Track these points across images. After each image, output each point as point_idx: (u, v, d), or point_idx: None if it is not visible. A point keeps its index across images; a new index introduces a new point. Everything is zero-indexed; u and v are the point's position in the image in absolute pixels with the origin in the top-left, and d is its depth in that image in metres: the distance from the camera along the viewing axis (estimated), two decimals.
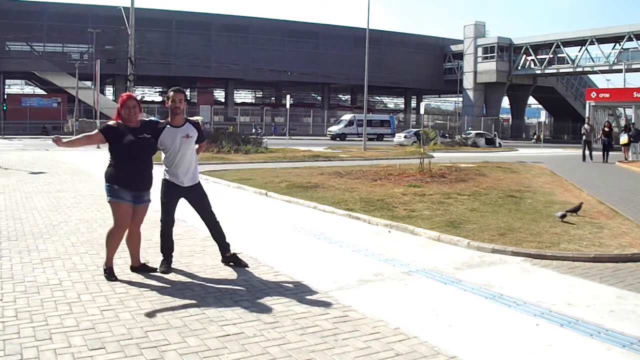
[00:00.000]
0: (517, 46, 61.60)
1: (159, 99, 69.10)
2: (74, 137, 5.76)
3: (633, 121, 31.59)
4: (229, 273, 5.51)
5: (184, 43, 56.55)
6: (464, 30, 65.37)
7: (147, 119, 5.84)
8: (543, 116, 48.85)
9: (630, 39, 50.89)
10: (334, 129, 50.47)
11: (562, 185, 13.78)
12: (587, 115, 31.42)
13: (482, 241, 6.82)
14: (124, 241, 5.38)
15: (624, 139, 24.75)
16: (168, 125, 5.53)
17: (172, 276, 5.35)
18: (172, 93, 5.54)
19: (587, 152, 23.83)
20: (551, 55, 58.13)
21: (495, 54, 61.39)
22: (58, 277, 5.23)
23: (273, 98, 78.85)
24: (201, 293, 4.86)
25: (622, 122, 38.55)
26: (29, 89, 69.39)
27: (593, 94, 35.72)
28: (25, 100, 51.71)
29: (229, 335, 3.91)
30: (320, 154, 25.36)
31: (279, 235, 7.51)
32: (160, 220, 5.64)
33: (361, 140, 34.47)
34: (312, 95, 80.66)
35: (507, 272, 5.74)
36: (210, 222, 5.75)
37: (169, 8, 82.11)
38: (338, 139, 47.67)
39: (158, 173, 5.48)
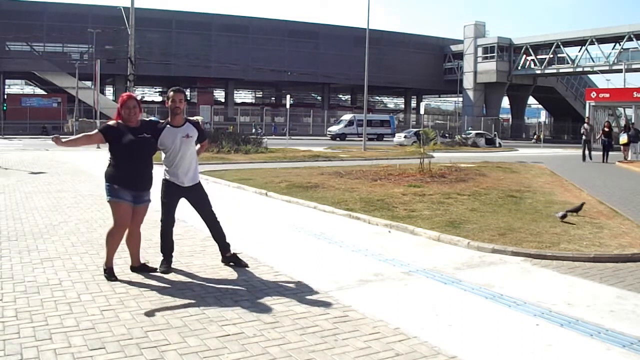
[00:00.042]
0: (517, 46, 61.61)
1: (159, 99, 69.10)
2: (73, 137, 5.76)
3: (633, 121, 31.60)
4: (229, 273, 5.51)
5: (184, 43, 56.56)
6: (464, 30, 65.37)
7: (147, 119, 5.84)
8: (543, 116, 48.84)
9: (630, 39, 50.90)
10: (334, 129, 50.47)
11: (562, 185, 13.78)
12: (587, 115, 31.42)
13: (482, 241, 6.82)
14: (124, 241, 5.38)
15: (623, 138, 24.75)
16: (168, 125, 5.53)
17: (172, 276, 5.35)
18: (172, 93, 5.54)
19: (587, 152, 23.84)
20: (551, 55, 58.14)
21: (495, 54, 61.39)
22: (58, 277, 5.23)
23: (273, 98, 78.86)
24: (201, 293, 4.86)
25: (622, 122, 38.53)
26: (29, 89, 69.41)
27: (593, 94, 35.73)
28: (25, 100, 51.70)
29: (229, 335, 3.91)
30: (320, 154, 25.36)
31: (279, 235, 7.51)
32: (161, 220, 5.64)
33: (361, 140, 34.47)
34: (312, 95, 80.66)
35: (507, 272, 5.74)
36: (211, 222, 5.75)
37: (169, 8, 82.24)
38: (338, 139, 47.67)
39: (158, 173, 5.49)
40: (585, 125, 24.91)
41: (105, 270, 5.26)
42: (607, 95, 35.80)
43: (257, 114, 67.40)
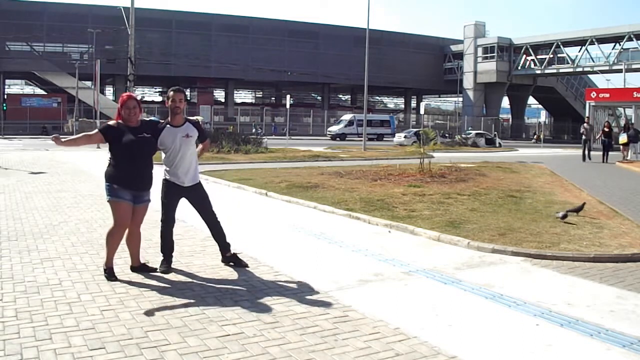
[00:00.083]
0: (517, 46, 61.61)
1: (159, 99, 69.11)
2: (73, 137, 5.76)
3: (632, 121, 31.60)
4: (229, 273, 5.51)
5: (184, 43, 56.56)
6: (464, 30, 65.38)
7: (147, 119, 5.84)
8: (543, 116, 48.80)
9: (630, 39, 50.90)
10: (334, 129, 50.47)
11: (562, 185, 13.78)
12: (587, 115, 31.42)
13: (482, 241, 6.82)
14: (124, 241, 5.38)
15: (623, 138, 24.76)
16: (168, 125, 5.53)
17: (172, 276, 5.35)
18: (172, 93, 5.54)
19: (587, 152, 23.84)
20: (551, 55, 58.14)
21: (495, 54, 61.39)
22: (58, 277, 5.23)
23: (273, 98, 78.86)
24: (201, 293, 4.86)
25: (622, 122, 38.53)
26: (29, 89, 69.41)
27: (593, 94, 35.74)
28: (25, 100, 51.69)
29: (229, 335, 3.91)
30: (320, 154, 25.37)
31: (279, 235, 7.51)
32: (161, 220, 5.63)
33: (361, 140, 34.47)
34: (312, 95, 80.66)
35: (507, 272, 5.74)
36: (211, 222, 5.75)
37: (169, 8, 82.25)
38: (338, 139, 47.66)
39: (158, 173, 5.49)
40: (585, 125, 24.92)
41: (105, 270, 5.26)
42: (607, 95, 35.82)
43: (257, 114, 67.41)
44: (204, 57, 55.68)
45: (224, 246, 5.81)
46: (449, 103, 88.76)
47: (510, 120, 75.50)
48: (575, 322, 4.28)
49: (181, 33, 57.00)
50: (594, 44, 53.65)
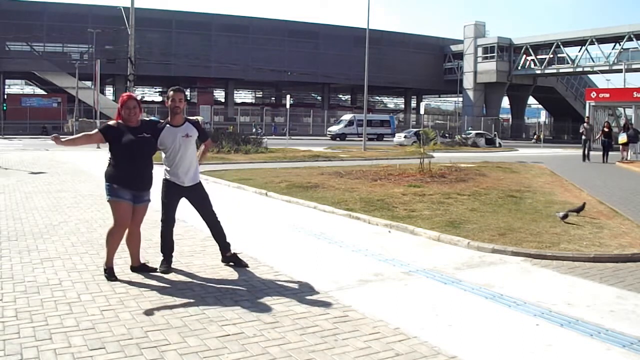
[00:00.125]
0: (517, 46, 61.62)
1: (159, 99, 69.10)
2: (73, 136, 5.76)
3: (632, 121, 31.59)
4: (229, 273, 5.51)
5: (184, 43, 56.57)
6: (464, 30, 65.38)
7: (147, 119, 5.84)
8: (543, 116, 48.84)
9: (630, 39, 50.91)
10: (334, 129, 50.47)
11: (562, 185, 13.78)
12: (587, 115, 31.42)
13: (482, 241, 6.82)
14: (124, 241, 5.38)
15: (622, 138, 24.75)
16: (168, 125, 5.53)
17: (172, 276, 5.35)
18: (171, 92, 5.54)
19: (587, 152, 23.84)
20: (551, 55, 58.15)
21: (495, 54, 61.40)
22: (58, 277, 5.23)
23: (273, 98, 78.87)
24: (201, 293, 4.86)
25: (622, 122, 38.54)
26: (29, 89, 69.41)
27: (593, 94, 35.74)
28: (25, 100, 51.71)
29: (229, 335, 3.91)
30: (320, 154, 25.37)
31: (279, 235, 7.51)
32: (161, 220, 5.63)
33: (361, 140, 34.47)
34: (312, 95, 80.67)
35: (507, 272, 5.74)
36: (212, 222, 5.75)
37: (169, 8, 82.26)
38: (338, 139, 47.66)
39: (159, 173, 5.49)
40: (585, 125, 24.92)
41: (105, 270, 5.26)
42: (607, 95, 35.82)
43: (257, 114, 67.41)
44: (204, 57, 55.69)
45: (224, 246, 5.81)
46: (449, 103, 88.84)
47: (510, 120, 75.51)
48: (575, 322, 4.28)
49: (181, 33, 57.01)
50: (594, 44, 53.66)
